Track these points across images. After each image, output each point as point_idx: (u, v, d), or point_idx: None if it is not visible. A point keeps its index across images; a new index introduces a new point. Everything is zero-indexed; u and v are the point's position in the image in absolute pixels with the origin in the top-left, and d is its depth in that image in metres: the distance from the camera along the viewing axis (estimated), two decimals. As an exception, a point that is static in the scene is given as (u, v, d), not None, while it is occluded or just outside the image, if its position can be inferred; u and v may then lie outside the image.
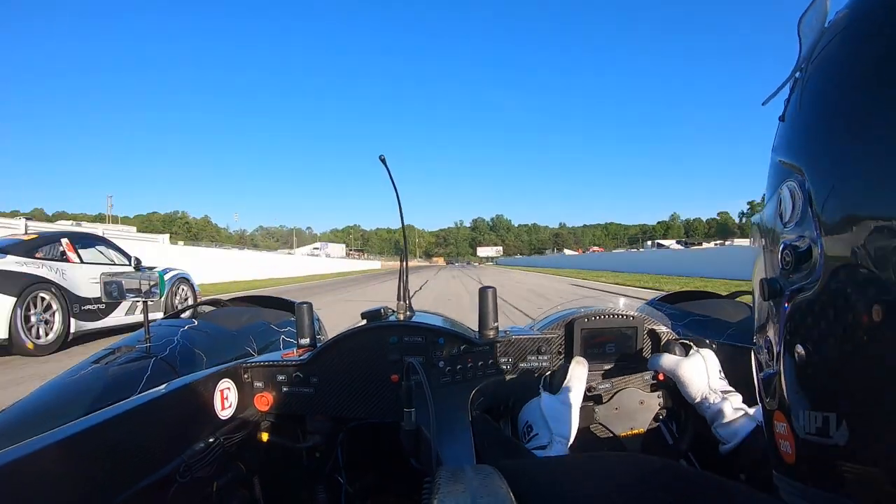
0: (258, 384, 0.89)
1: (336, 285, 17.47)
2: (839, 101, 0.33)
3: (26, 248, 4.91)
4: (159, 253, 17.01)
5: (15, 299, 4.41)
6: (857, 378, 0.30)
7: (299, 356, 0.91)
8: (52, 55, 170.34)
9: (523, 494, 0.36)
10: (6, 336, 4.36)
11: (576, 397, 0.81)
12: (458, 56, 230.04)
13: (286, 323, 1.46)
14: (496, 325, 0.94)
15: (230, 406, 0.83)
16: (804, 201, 0.34)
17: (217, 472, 0.77)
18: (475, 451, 0.68)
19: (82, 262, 5.40)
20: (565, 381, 0.81)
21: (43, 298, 4.75)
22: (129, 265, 5.87)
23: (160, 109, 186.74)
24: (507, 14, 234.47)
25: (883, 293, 0.28)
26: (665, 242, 70.24)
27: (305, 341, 0.95)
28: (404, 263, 0.93)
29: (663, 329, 0.94)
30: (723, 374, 0.83)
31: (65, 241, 5.34)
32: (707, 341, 0.96)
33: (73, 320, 4.99)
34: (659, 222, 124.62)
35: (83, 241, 5.74)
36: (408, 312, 0.95)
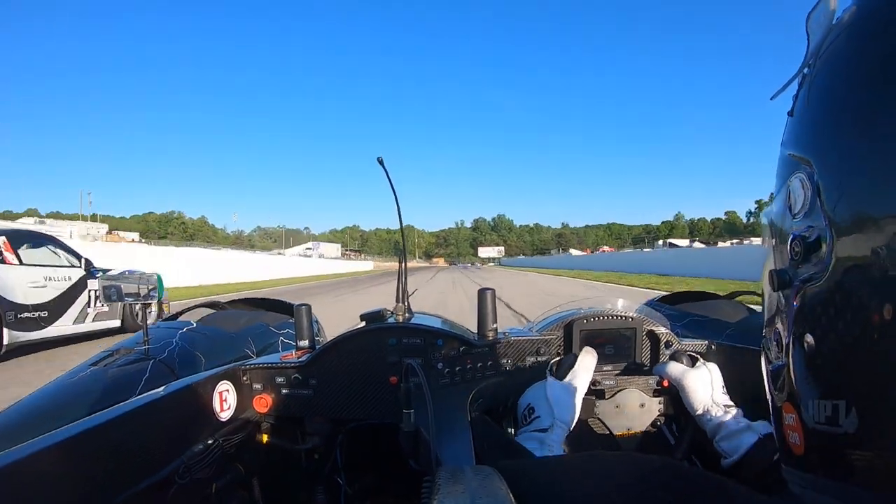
0: (257, 386, 0.89)
1: (301, 293, 13.56)
2: (846, 97, 0.34)
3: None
4: (128, 253, 16.19)
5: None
6: (866, 366, 0.31)
7: (298, 358, 0.91)
8: (53, 55, 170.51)
9: (523, 495, 0.36)
10: None
11: (581, 386, 0.81)
12: (458, 56, 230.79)
13: (285, 325, 1.46)
14: (495, 326, 0.94)
15: (229, 408, 0.83)
16: (813, 193, 0.34)
17: (216, 473, 0.77)
18: (474, 452, 0.68)
19: (21, 263, 4.81)
20: (573, 369, 0.82)
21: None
22: (80, 266, 5.43)
23: (160, 109, 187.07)
24: (507, 14, 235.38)
25: (890, 284, 0.29)
26: (678, 242, 67.19)
27: (304, 343, 0.95)
28: (403, 265, 0.93)
29: (662, 330, 0.94)
30: (725, 390, 0.83)
31: (1, 239, 4.72)
32: (707, 343, 0.96)
33: (6, 330, 4.35)
34: (663, 222, 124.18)
35: (27, 240, 5.17)
36: (406, 314, 0.95)
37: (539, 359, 0.93)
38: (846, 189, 0.32)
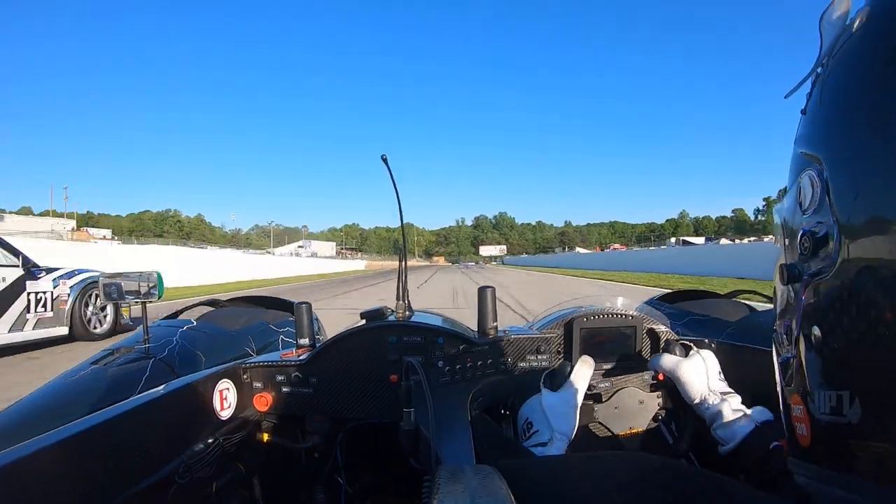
0: (257, 384, 0.89)
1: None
2: (857, 96, 0.35)
3: None
4: (98, 252, 15.37)
5: None
6: (870, 357, 0.32)
7: (298, 356, 0.91)
8: (53, 55, 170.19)
9: (523, 494, 0.37)
10: None
11: (578, 396, 0.81)
12: (458, 56, 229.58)
13: (285, 323, 1.46)
14: (495, 324, 0.94)
15: (229, 406, 0.83)
16: (822, 189, 0.36)
17: (216, 472, 0.77)
18: (474, 450, 0.68)
19: None
20: (569, 379, 0.81)
21: None
22: (18, 265, 4.80)
23: (160, 109, 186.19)
24: (507, 14, 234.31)
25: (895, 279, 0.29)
26: (692, 239, 64.85)
27: (304, 341, 0.95)
28: (403, 263, 0.93)
29: (662, 328, 0.94)
30: (722, 376, 0.83)
31: None
32: (706, 341, 0.96)
33: None
34: (668, 220, 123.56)
35: None
36: (407, 312, 0.95)
37: (540, 357, 0.93)
38: (854, 186, 0.33)
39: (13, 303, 4.65)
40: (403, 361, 0.76)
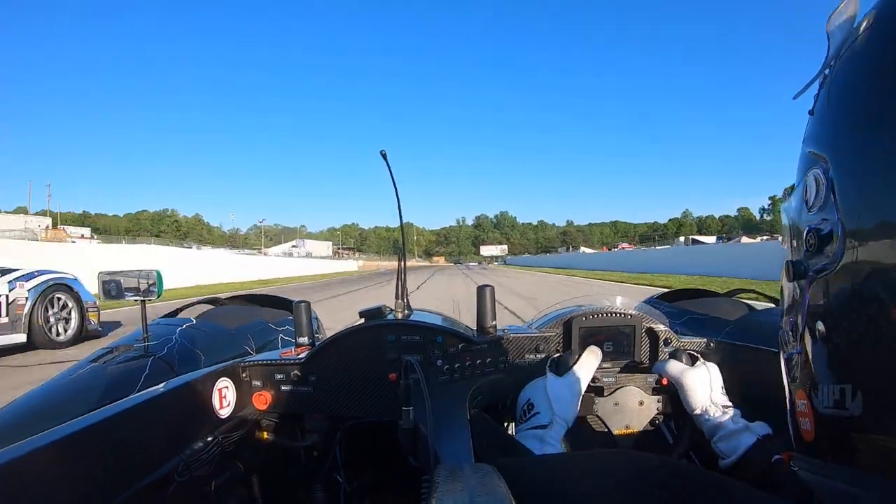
0: (256, 383, 0.89)
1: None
2: (864, 97, 0.36)
3: None
4: (73, 252, 14.63)
5: None
6: (872, 351, 0.33)
7: (297, 355, 0.91)
8: (52, 55, 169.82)
9: (521, 492, 0.36)
10: None
11: (582, 384, 0.81)
12: (458, 56, 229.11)
13: (284, 322, 1.46)
14: (494, 323, 0.94)
15: (228, 405, 0.83)
16: (827, 187, 0.36)
17: (215, 471, 0.77)
18: (473, 449, 0.68)
19: None
20: (575, 366, 0.82)
21: None
22: None
23: (160, 109, 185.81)
24: (507, 14, 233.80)
25: None
26: (703, 238, 63.47)
27: (304, 340, 0.95)
28: (402, 262, 0.93)
29: (661, 327, 0.94)
30: (724, 390, 0.83)
31: None
32: (706, 341, 0.96)
33: None
34: (670, 220, 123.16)
35: None
36: (406, 311, 0.95)
37: (538, 356, 0.93)
38: (858, 185, 0.34)
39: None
40: (402, 360, 0.76)
